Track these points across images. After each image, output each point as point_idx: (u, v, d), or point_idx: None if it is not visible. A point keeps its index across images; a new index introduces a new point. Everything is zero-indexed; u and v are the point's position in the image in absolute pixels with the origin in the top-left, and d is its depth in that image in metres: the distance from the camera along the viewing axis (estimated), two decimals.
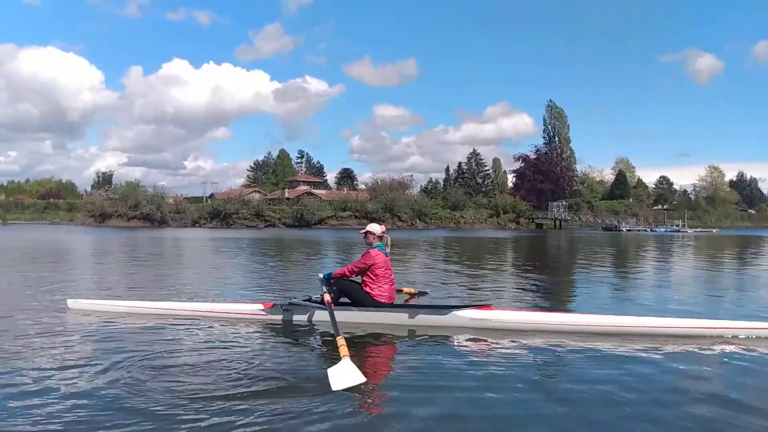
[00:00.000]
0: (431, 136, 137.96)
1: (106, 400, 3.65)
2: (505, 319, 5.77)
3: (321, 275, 6.50)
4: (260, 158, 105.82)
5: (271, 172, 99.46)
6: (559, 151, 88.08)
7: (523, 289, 9.81)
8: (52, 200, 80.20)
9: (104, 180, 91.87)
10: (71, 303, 6.93)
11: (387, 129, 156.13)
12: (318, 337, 5.70)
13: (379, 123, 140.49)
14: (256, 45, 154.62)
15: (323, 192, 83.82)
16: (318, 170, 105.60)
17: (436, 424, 3.31)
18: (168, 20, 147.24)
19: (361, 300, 6.11)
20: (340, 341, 4.51)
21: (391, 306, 6.14)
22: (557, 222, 74.28)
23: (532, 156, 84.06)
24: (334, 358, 4.34)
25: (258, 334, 5.72)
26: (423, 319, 5.89)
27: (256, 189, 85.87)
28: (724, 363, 4.69)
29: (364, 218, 68.45)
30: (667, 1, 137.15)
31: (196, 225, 64.07)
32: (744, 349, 5.00)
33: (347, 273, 6.19)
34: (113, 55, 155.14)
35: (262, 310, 6.24)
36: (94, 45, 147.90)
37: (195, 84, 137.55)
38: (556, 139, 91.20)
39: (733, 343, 5.20)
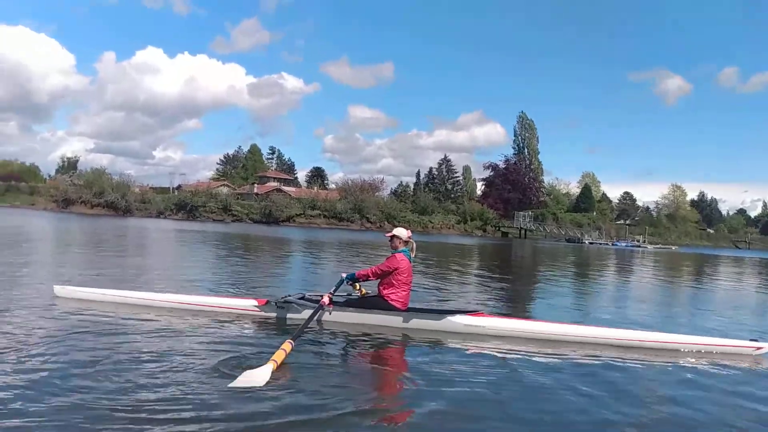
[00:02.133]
0: (404, 139, 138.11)
1: (87, 394, 3.59)
2: (496, 326, 5.98)
3: (344, 275, 6.48)
4: (231, 152, 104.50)
5: (241, 167, 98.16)
6: (527, 161, 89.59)
7: (494, 296, 10.10)
8: (14, 183, 77.41)
9: (69, 165, 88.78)
10: (58, 290, 6.77)
11: (361, 130, 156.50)
12: (312, 336, 5.66)
13: (353, 123, 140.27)
14: (232, 38, 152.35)
15: (293, 189, 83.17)
16: (289, 167, 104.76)
17: (434, 423, 3.46)
18: (145, 7, 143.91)
19: (374, 302, 6.16)
20: (287, 345, 4.37)
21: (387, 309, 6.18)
22: (522, 231, 75.54)
23: (502, 165, 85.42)
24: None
25: (250, 331, 5.74)
26: (417, 322, 6.03)
27: (225, 183, 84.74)
28: (714, 375, 5.00)
29: (333, 218, 68.52)
30: (639, 20, 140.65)
31: (161, 216, 62.84)
32: (706, 363, 5.36)
33: (370, 275, 6.20)
34: (86, 39, 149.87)
35: (256, 306, 6.27)
36: (67, 27, 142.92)
37: (168, 73, 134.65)
38: (526, 150, 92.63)
39: (701, 357, 5.55)
